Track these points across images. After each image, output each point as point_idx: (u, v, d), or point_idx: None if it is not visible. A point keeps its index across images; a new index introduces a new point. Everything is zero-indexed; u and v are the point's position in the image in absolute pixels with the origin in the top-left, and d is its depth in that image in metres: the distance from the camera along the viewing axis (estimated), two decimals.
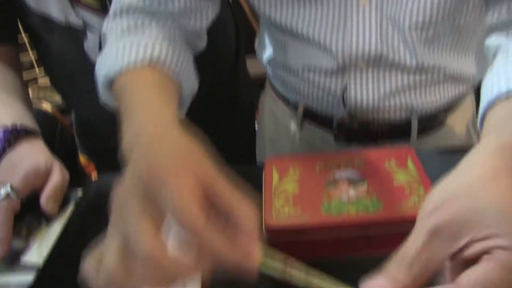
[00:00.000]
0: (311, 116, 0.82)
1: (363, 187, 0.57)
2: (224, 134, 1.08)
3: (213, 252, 0.36)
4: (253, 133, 1.09)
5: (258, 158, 1.03)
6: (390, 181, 0.58)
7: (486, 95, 0.48)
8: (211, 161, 0.41)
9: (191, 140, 0.43)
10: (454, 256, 0.37)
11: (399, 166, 0.61)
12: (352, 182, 0.58)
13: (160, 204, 0.37)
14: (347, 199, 0.55)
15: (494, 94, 0.47)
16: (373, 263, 0.54)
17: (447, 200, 0.38)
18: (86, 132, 1.21)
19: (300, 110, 0.82)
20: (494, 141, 0.41)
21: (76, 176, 1.19)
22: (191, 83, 0.64)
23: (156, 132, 0.44)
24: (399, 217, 0.53)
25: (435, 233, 0.37)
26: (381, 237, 0.54)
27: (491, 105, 0.47)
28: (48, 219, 0.70)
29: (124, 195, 0.39)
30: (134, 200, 0.37)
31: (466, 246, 0.36)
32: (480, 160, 0.40)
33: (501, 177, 0.38)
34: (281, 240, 0.54)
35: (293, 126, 0.86)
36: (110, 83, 0.58)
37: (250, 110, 1.19)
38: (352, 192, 0.57)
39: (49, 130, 1.31)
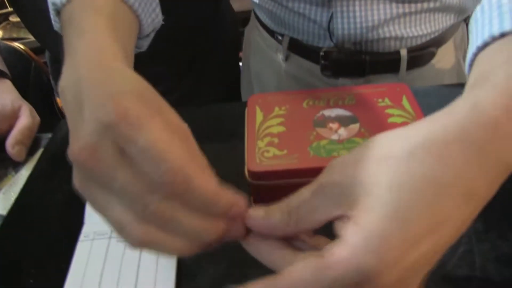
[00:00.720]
0: (297, 47, 0.77)
1: (354, 127, 0.52)
2: (209, 74, 1.02)
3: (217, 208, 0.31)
4: (238, 74, 1.03)
5: (243, 99, 0.98)
6: (384, 120, 0.54)
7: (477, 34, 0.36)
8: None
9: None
10: None
11: (393, 104, 0.56)
12: (342, 121, 0.53)
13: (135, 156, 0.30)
14: (337, 140, 0.51)
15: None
16: None
17: (355, 158, 0.31)
18: (60, 71, 1.13)
19: (286, 41, 0.77)
20: (471, 100, 0.30)
21: (53, 120, 1.13)
22: (152, 17, 0.55)
23: (106, 67, 0.36)
24: None
25: (322, 190, 0.32)
26: None
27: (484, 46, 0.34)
28: (15, 165, 0.65)
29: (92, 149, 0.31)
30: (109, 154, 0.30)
31: (338, 219, 0.30)
32: (440, 120, 0.30)
33: (448, 156, 0.28)
34: (265, 184, 0.49)
35: (278, 58, 0.81)
36: (58, 12, 0.50)
37: (234, 49, 1.12)
38: (343, 132, 0.52)
39: (23, 70, 1.24)
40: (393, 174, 0.28)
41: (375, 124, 0.53)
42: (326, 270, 0.28)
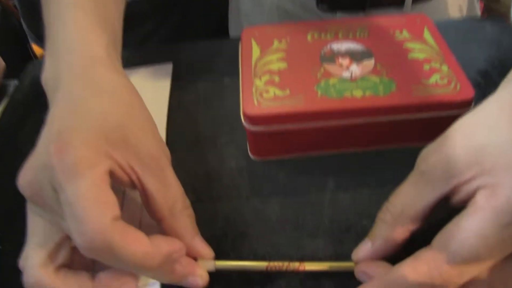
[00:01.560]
0: None
1: (369, 63, 0.44)
2: (195, 10, 0.92)
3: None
4: (226, 10, 0.93)
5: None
6: (404, 56, 0.45)
7: None
8: (152, 126, 0.36)
9: (129, 87, 0.36)
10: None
11: (413, 37, 0.47)
12: (354, 56, 0.45)
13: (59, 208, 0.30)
14: (349, 78, 0.43)
15: None
16: (380, 160, 0.44)
17: (446, 138, 0.31)
18: (31, 15, 1.02)
19: None
20: None
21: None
22: None
23: (81, 72, 0.35)
24: (418, 100, 0.41)
25: (423, 175, 0.32)
26: (392, 126, 0.43)
27: None
28: None
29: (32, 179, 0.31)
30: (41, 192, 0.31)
31: (453, 192, 0.30)
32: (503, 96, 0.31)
33: None
34: (264, 131, 0.42)
35: None
36: None
37: None
38: (355, 69, 0.44)
39: None
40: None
41: (393, 59, 0.45)
42: None
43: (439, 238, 0.29)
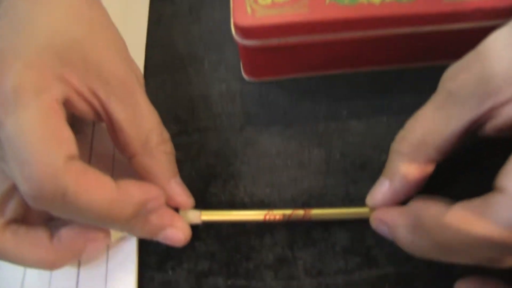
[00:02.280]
0: None
1: None
2: None
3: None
4: None
5: None
6: None
7: None
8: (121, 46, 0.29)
9: None
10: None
11: None
12: None
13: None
14: None
15: None
16: (400, 81, 0.36)
17: (479, 52, 0.26)
18: None
19: None
20: None
21: None
22: None
23: None
24: (449, 8, 0.32)
25: (450, 96, 0.26)
26: (416, 40, 0.35)
27: None
28: None
29: None
30: None
31: (487, 117, 0.25)
32: None
33: None
34: (260, 46, 0.34)
35: None
36: None
37: None
38: None
39: None
40: None
41: None
42: None
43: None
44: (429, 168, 0.27)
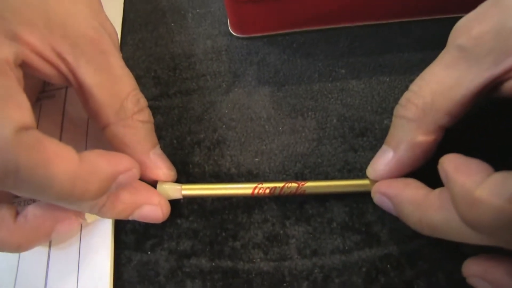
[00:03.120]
0: None
1: None
2: None
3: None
4: None
5: None
6: None
7: None
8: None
9: None
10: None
11: None
12: None
13: None
14: None
15: None
16: (404, 36, 0.33)
17: (495, 1, 0.22)
18: None
19: None
20: None
21: None
22: None
23: None
24: None
25: (463, 52, 0.22)
26: None
27: None
28: None
29: None
30: None
31: (505, 76, 0.22)
32: None
33: None
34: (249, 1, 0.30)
35: None
36: None
37: None
38: None
39: None
40: None
41: None
42: None
43: None
44: (438, 135, 0.23)
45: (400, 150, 0.24)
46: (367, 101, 0.30)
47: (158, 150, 0.26)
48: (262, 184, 0.25)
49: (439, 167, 0.22)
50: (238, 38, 0.34)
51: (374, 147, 0.28)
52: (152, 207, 0.25)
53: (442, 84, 0.23)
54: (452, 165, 0.21)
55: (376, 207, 0.25)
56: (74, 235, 0.27)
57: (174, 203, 0.27)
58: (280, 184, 0.25)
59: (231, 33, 0.34)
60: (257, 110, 0.31)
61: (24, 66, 0.22)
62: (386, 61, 0.32)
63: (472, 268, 0.23)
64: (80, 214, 0.25)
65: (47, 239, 0.25)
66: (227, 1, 0.32)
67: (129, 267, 0.26)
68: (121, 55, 0.26)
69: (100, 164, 0.22)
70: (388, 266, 0.25)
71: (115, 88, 0.24)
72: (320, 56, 0.32)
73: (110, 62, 0.24)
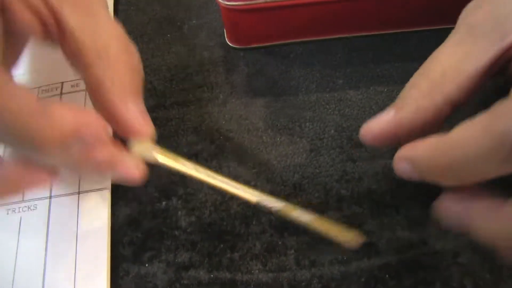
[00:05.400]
0: None
1: None
2: None
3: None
4: None
5: None
6: None
7: None
8: None
9: None
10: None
11: None
12: None
13: None
14: None
15: None
16: (402, 46, 0.33)
17: None
18: None
19: None
20: None
21: None
22: None
23: None
24: None
25: (471, 30, 0.23)
26: None
27: None
28: None
29: None
30: None
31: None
32: None
33: None
34: (244, 7, 0.30)
35: None
36: None
37: None
38: None
39: None
40: None
41: None
42: None
43: None
44: (446, 110, 0.22)
45: (404, 111, 0.23)
46: (365, 111, 0.30)
47: (140, 103, 0.24)
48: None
49: None
50: (234, 49, 0.34)
51: (372, 158, 0.28)
52: (126, 166, 0.23)
53: (453, 60, 0.22)
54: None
55: (374, 217, 0.25)
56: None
57: (173, 214, 0.27)
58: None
59: (227, 44, 0.34)
60: (254, 121, 0.31)
61: (3, 11, 0.21)
62: (383, 71, 0.32)
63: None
64: (54, 170, 0.24)
65: (18, 190, 0.25)
66: (224, 12, 0.32)
67: (127, 280, 0.26)
68: (107, 9, 0.25)
69: (63, 113, 0.21)
70: (387, 275, 0.25)
71: (98, 30, 0.23)
72: (317, 67, 0.32)
73: (96, 10, 0.23)
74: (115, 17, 0.36)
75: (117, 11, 0.36)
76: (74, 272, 0.26)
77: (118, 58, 0.23)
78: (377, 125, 0.23)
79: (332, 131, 0.30)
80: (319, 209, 0.27)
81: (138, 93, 0.24)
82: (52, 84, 0.32)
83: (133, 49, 0.25)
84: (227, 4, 0.30)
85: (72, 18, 0.22)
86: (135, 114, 0.24)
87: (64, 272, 0.26)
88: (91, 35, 0.23)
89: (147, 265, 0.26)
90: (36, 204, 0.29)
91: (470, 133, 0.20)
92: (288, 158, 0.29)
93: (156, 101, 0.32)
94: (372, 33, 0.34)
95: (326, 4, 0.31)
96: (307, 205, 0.26)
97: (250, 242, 0.27)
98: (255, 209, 0.27)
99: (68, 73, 0.30)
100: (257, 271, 0.26)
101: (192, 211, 0.28)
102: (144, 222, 0.27)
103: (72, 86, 0.32)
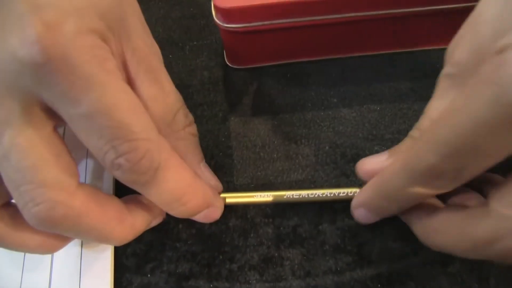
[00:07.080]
0: None
1: None
2: None
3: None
4: None
5: None
6: None
7: None
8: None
9: None
10: None
11: None
12: None
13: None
14: None
15: None
16: (394, 66, 0.34)
17: (474, 16, 0.22)
18: None
19: None
20: None
21: None
22: None
23: None
24: None
25: (451, 79, 0.23)
26: (413, 22, 0.32)
27: None
28: None
29: None
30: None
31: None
32: None
33: None
34: (243, 30, 0.31)
35: None
36: None
37: None
38: None
39: None
40: None
41: None
42: None
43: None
44: None
45: (396, 155, 0.25)
46: (358, 129, 0.32)
47: (205, 163, 0.28)
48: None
49: None
50: (234, 69, 0.35)
51: None
52: (213, 209, 0.27)
53: (437, 112, 0.24)
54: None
55: (366, 229, 0.27)
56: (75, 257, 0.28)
57: (173, 226, 0.28)
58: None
59: (227, 64, 0.36)
60: (252, 138, 0.32)
61: None
62: (376, 90, 0.33)
63: None
64: None
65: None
66: (223, 34, 0.33)
67: None
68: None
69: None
70: (379, 285, 0.26)
71: (168, 101, 0.25)
72: (312, 86, 0.34)
73: (161, 77, 0.25)
74: None
75: None
76: (79, 282, 0.27)
77: (186, 128, 0.26)
78: (369, 165, 0.26)
79: (327, 147, 0.31)
80: (314, 222, 0.28)
81: (202, 155, 0.28)
82: None
83: (192, 118, 0.27)
84: (226, 27, 0.31)
85: (145, 87, 0.24)
86: (208, 175, 0.28)
87: (69, 284, 0.27)
88: (162, 105, 0.24)
89: (149, 275, 0.27)
90: None
91: (392, 168, 0.23)
92: (285, 174, 0.30)
93: None
94: (366, 53, 0.35)
95: (321, 26, 0.32)
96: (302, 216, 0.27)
97: (248, 254, 0.28)
98: (253, 223, 0.29)
99: None
100: (254, 281, 0.27)
101: (193, 223, 0.29)
102: (146, 234, 0.29)
103: None
